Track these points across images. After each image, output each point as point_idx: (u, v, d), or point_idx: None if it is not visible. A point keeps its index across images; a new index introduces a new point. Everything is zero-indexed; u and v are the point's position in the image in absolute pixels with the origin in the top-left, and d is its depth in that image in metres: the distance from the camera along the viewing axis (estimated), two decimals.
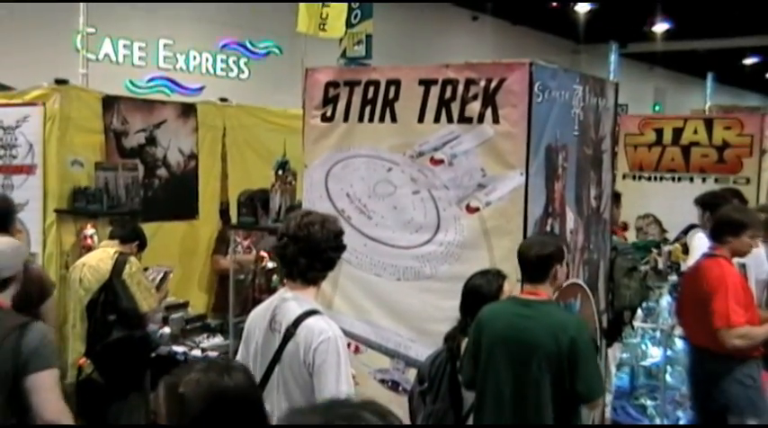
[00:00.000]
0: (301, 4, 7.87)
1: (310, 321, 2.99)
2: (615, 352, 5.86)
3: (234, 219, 6.19)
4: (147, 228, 5.69)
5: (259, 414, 2.06)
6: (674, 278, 6.35)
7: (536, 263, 3.55)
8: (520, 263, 3.60)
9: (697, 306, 4.58)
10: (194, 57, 12.88)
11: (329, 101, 4.62)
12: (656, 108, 22.73)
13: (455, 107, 4.23)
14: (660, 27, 19.37)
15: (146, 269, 5.50)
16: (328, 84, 4.63)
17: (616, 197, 5.79)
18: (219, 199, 6.91)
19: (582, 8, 18.08)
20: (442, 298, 4.15)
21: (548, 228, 4.31)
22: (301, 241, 3.06)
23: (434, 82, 4.28)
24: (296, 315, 3.02)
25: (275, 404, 3.06)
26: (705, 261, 4.68)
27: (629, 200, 7.71)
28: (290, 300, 3.09)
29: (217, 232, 6.74)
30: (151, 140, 6.49)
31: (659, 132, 8.04)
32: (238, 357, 3.31)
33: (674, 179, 7.91)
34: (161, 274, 5.80)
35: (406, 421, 3.99)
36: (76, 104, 5.97)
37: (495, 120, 4.13)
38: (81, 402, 5.02)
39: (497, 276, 3.77)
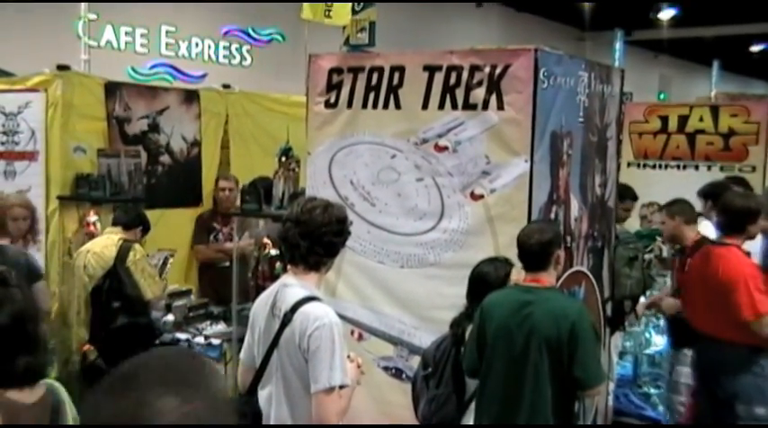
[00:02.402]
0: None
1: (307, 307, 3.01)
2: (617, 341, 5.87)
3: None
4: (151, 215, 5.70)
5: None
6: None
7: (538, 251, 3.56)
8: (520, 252, 3.60)
9: (708, 293, 4.57)
10: (197, 44, 12.86)
11: (333, 87, 4.62)
12: (662, 96, 22.65)
13: (459, 93, 4.22)
14: (666, 14, 19.27)
15: (148, 255, 5.51)
16: (332, 71, 4.62)
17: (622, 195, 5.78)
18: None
19: None
20: (446, 285, 4.16)
21: (552, 216, 4.31)
22: (302, 224, 3.08)
23: (439, 68, 4.27)
24: (294, 301, 3.04)
25: (274, 387, 3.10)
26: (716, 249, 4.65)
27: (634, 189, 7.69)
28: (290, 286, 3.11)
29: (195, 221, 6.63)
30: (154, 127, 6.50)
31: (664, 120, 8.01)
32: (245, 343, 3.33)
33: (679, 167, 7.87)
34: (161, 260, 5.83)
35: (410, 408, 4.01)
36: (79, 90, 5.97)
37: (500, 106, 4.13)
38: (87, 388, 5.06)
39: (505, 264, 3.79)
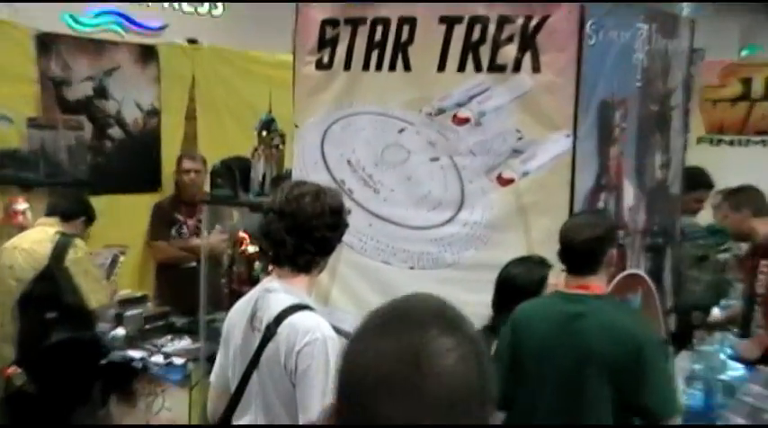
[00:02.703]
0: None
1: (295, 318, 3.06)
2: (684, 363, 5.91)
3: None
4: (97, 203, 5.74)
5: None
6: None
7: (588, 251, 3.58)
8: (564, 250, 3.63)
9: None
10: None
11: (326, 43, 4.68)
12: (744, 53, 22.50)
13: (485, 52, 4.27)
14: None
15: (92, 253, 5.56)
16: (325, 23, 4.68)
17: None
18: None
19: None
20: (467, 290, 4.20)
21: (600, 205, 4.37)
22: (288, 216, 3.13)
23: (459, 20, 4.32)
24: (279, 310, 3.09)
25: (253, 417, 3.17)
26: None
27: (708, 172, 7.70)
28: (274, 292, 3.17)
29: (151, 212, 6.70)
30: (101, 91, 6.56)
31: (747, 83, 7.98)
32: (217, 363, 3.40)
33: (764, 143, 7.87)
34: (109, 259, 5.87)
35: None
36: (2, 43, 6.00)
37: (536, 68, 4.18)
38: (11, 421, 5.12)
39: (540, 265, 3.83)
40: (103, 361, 5.44)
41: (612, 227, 3.81)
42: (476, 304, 3.90)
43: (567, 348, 3.51)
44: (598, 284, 3.62)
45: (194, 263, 5.99)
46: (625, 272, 4.54)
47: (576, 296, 3.58)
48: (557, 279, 3.76)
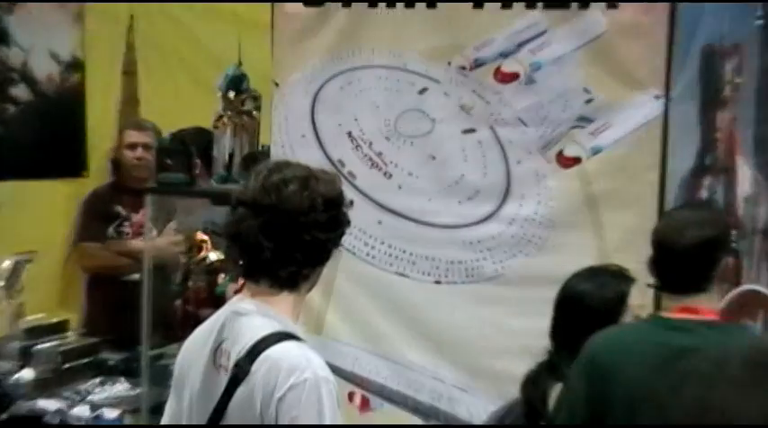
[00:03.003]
0: None
1: (276, 351, 3.04)
2: None
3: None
4: None
5: None
6: None
7: (693, 259, 3.52)
8: (660, 259, 3.56)
9: None
10: None
11: None
12: None
13: None
14: None
15: None
16: None
17: None
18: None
19: None
20: (514, 313, 4.26)
21: (703, 194, 4.39)
22: (266, 211, 3.13)
23: None
24: (254, 340, 3.08)
25: None
26: None
27: None
28: (247, 316, 3.17)
29: (82, 202, 6.70)
30: (0, 35, 6.58)
31: None
32: (166, 415, 3.41)
33: None
34: (12, 268, 5.87)
35: None
36: None
37: (612, 2, 4.21)
38: None
39: (617, 279, 3.81)
40: (3, 416, 5.46)
41: (726, 227, 3.76)
42: (526, 332, 3.96)
43: (674, 397, 3.48)
44: (710, 306, 3.54)
45: (137, 276, 5.95)
46: (739, 289, 4.48)
47: (682, 323, 3.48)
48: (642, 298, 3.76)
